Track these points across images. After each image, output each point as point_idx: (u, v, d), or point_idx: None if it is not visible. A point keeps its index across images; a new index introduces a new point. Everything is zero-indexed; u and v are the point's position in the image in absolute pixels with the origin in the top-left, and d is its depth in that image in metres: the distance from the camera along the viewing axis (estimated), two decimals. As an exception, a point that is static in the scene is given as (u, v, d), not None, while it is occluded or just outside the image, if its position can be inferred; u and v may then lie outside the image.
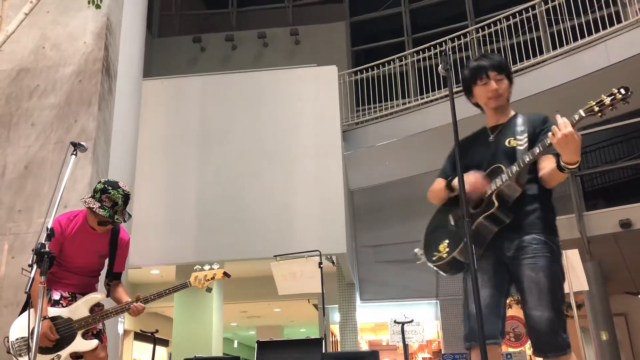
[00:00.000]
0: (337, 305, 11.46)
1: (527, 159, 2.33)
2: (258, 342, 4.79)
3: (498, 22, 9.62)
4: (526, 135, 2.48)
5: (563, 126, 2.17)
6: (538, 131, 2.48)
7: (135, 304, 3.12)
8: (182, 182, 8.75)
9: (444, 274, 2.57)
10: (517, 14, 9.46)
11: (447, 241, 2.52)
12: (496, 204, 2.37)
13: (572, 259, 5.56)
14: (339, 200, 8.38)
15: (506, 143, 2.48)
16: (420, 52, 10.31)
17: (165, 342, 13.39)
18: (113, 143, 5.19)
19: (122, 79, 5.50)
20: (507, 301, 8.79)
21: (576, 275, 5.51)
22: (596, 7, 8.60)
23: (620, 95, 2.08)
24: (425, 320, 12.44)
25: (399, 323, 5.92)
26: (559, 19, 9.11)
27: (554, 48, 9.01)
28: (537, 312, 2.25)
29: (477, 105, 2.73)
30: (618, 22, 8.32)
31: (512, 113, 2.64)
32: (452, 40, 9.97)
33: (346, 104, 10.40)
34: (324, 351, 4.70)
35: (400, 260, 12.52)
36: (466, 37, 10.00)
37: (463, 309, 2.48)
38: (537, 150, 2.31)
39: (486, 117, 2.72)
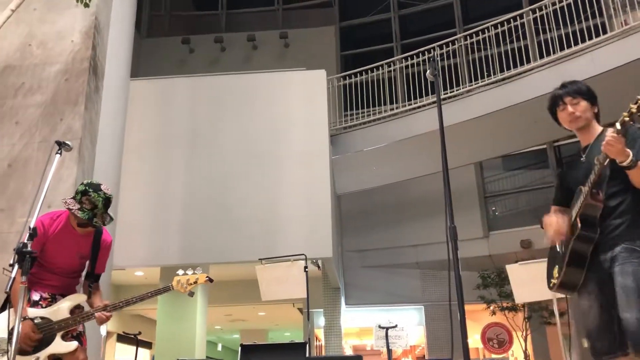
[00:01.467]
0: (322, 310, 11.45)
1: (592, 177, 2.49)
2: (242, 345, 4.77)
3: (486, 30, 9.69)
4: None
5: (608, 136, 2.36)
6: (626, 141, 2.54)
7: (100, 312, 3.08)
8: (169, 183, 8.70)
9: (565, 296, 2.75)
10: (505, 23, 9.54)
11: (557, 267, 2.69)
12: (579, 225, 2.52)
13: (555, 267, 5.60)
14: (325, 204, 8.38)
15: (595, 161, 2.54)
16: (409, 58, 10.35)
17: (148, 345, 13.29)
18: (99, 143, 5.14)
19: (110, 79, 5.46)
20: (491, 307, 8.79)
21: (559, 283, 5.54)
22: (582, 18, 8.69)
23: None
24: (409, 325, 12.48)
25: (383, 328, 5.93)
26: (547, 28, 9.20)
27: (541, 57, 9.09)
28: (626, 315, 2.33)
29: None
30: (604, 33, 8.42)
31: (600, 130, 2.75)
32: (441, 47, 10.02)
33: (334, 109, 10.41)
34: (307, 355, 4.68)
35: (386, 265, 12.56)
36: (454, 45, 10.06)
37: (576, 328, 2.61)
38: (597, 166, 2.46)
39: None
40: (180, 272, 3.32)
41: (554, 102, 2.79)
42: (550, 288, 2.75)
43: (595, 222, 2.52)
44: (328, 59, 13.20)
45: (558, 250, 2.71)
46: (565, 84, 2.79)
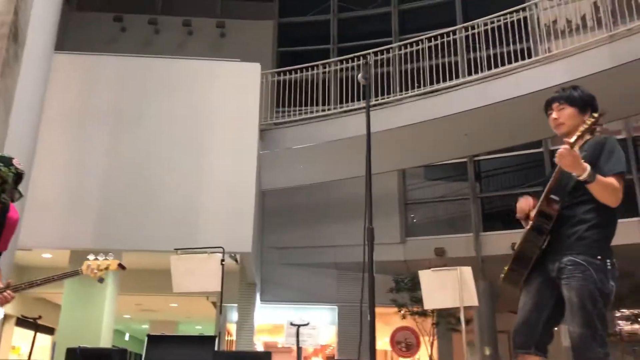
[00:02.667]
0: (236, 305, 11.36)
1: (548, 184, 2.55)
2: (148, 336, 4.64)
3: (420, 42, 9.94)
4: (584, 160, 2.54)
5: (561, 148, 2.43)
6: (597, 153, 2.58)
7: (4, 292, 2.91)
8: (87, 164, 8.35)
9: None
10: (438, 37, 9.82)
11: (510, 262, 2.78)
12: (529, 226, 2.61)
13: (465, 276, 5.82)
14: (249, 198, 8.31)
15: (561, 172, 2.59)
16: (344, 61, 10.45)
17: (50, 330, 12.70)
18: (14, 113, 4.86)
19: (32, 48, 5.18)
20: (402, 311, 9.01)
21: (468, 292, 5.77)
22: (510, 41, 9.09)
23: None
24: (322, 324, 12.56)
25: (294, 325, 5.96)
26: (477, 47, 9.55)
27: (470, 74, 9.43)
28: (570, 328, 2.46)
29: None
30: (529, 57, 8.84)
31: (588, 138, 2.67)
32: (376, 54, 10.18)
33: (266, 104, 10.35)
34: (216, 350, 4.62)
35: (305, 263, 12.63)
36: (389, 53, 10.25)
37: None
38: (553, 176, 2.54)
39: None
40: (91, 256, 3.19)
41: (545, 107, 2.85)
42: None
43: (546, 228, 2.58)
44: (264, 53, 13.09)
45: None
46: (561, 89, 2.82)
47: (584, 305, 2.44)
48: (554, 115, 2.77)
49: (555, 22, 9.32)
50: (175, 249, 6.01)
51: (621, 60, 7.76)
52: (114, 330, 9.86)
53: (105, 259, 3.19)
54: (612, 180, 2.48)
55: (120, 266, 3.20)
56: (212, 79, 9.01)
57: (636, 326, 11.94)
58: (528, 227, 2.62)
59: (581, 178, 2.44)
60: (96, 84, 8.80)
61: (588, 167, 2.43)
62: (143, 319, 16.01)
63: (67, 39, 12.18)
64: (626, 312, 12.16)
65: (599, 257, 2.53)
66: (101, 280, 3.19)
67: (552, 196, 2.56)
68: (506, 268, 2.77)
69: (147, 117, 8.62)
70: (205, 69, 9.15)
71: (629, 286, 9.85)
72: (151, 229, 7.98)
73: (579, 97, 2.75)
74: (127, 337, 19.23)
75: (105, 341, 8.63)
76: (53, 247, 8.43)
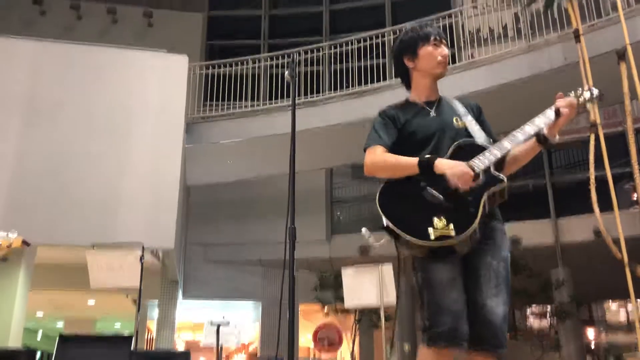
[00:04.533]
0: (157, 301, 11.10)
1: (521, 138, 2.18)
2: (60, 336, 4.44)
3: (350, 43, 10.05)
4: (471, 118, 2.35)
5: (574, 102, 2.19)
6: (482, 118, 2.40)
7: None
8: (-1, 151, 7.88)
9: (435, 257, 2.10)
10: (367, 39, 9.96)
11: (442, 217, 2.03)
12: (505, 177, 2.11)
13: (385, 274, 5.94)
14: (173, 193, 8.12)
15: (454, 121, 2.31)
16: (274, 57, 10.41)
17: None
18: None
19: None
20: (325, 309, 9.01)
21: (386, 289, 5.89)
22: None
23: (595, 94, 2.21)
24: (246, 321, 12.48)
25: (214, 324, 5.88)
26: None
27: (397, 76, 9.60)
28: (493, 304, 2.01)
29: (404, 75, 2.53)
30: (453, 63, 9.12)
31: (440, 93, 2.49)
32: (306, 52, 10.21)
33: (194, 97, 10.15)
34: (132, 349, 4.49)
35: (230, 260, 12.52)
36: (319, 52, 10.30)
37: (425, 304, 2.12)
38: (542, 125, 2.19)
39: (413, 90, 2.51)
40: (-8, 234, 3.00)
41: (431, 33, 2.41)
42: (429, 239, 2.02)
43: None
44: (192, 45, 12.83)
45: (440, 197, 2.09)
46: (429, 24, 2.49)
47: (509, 281, 2.09)
48: (446, 51, 2.41)
49: (478, 30, 9.68)
50: (92, 244, 5.78)
51: (538, 69, 8.16)
52: (25, 329, 9.38)
53: (8, 236, 3.01)
54: None
55: (25, 243, 3.04)
56: (136, 69, 8.73)
57: (544, 322, 12.62)
58: (505, 180, 2.15)
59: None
60: (10, 68, 8.33)
61: None
62: (57, 316, 15.35)
63: (-21, 19, 11.47)
64: (535, 309, 12.82)
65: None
66: (4, 259, 3.02)
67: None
68: (457, 230, 2.01)
69: (66, 106, 8.23)
70: (129, 58, 8.85)
71: (539, 284, 10.39)
72: (67, 223, 7.62)
73: None
74: (39, 337, 18.37)
75: (14, 341, 8.17)
76: (-42, 240, 7.90)
